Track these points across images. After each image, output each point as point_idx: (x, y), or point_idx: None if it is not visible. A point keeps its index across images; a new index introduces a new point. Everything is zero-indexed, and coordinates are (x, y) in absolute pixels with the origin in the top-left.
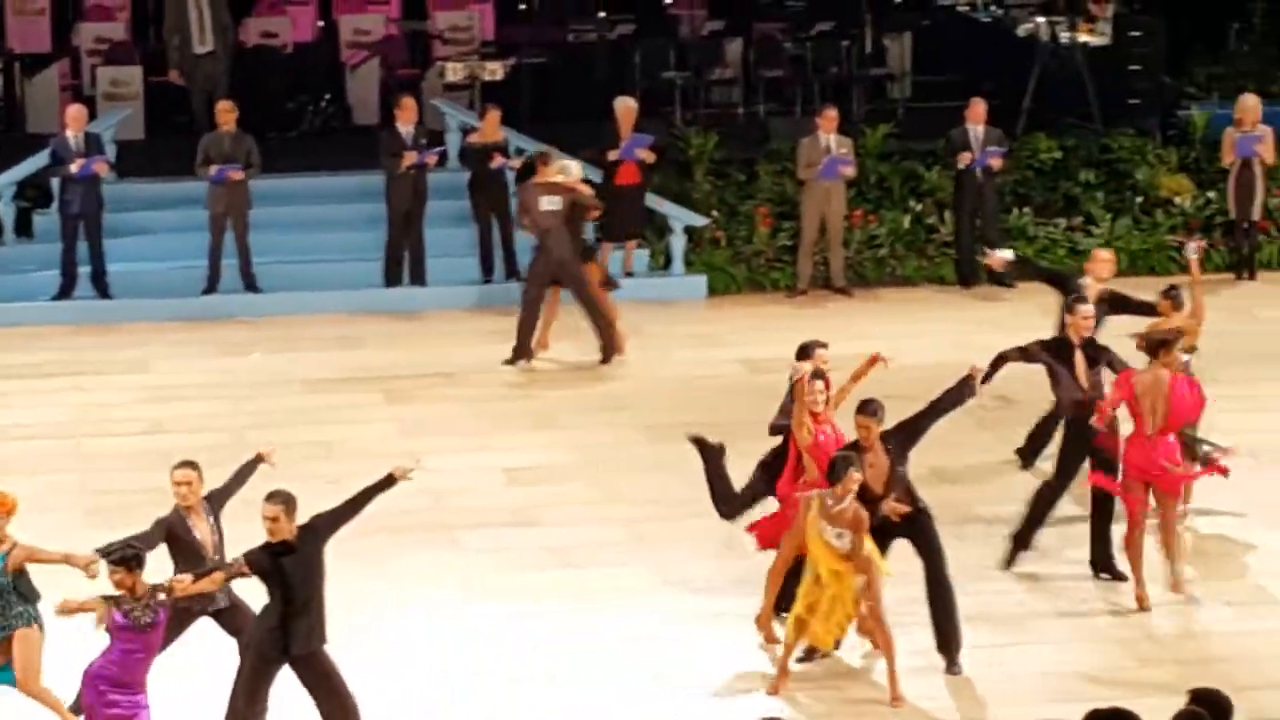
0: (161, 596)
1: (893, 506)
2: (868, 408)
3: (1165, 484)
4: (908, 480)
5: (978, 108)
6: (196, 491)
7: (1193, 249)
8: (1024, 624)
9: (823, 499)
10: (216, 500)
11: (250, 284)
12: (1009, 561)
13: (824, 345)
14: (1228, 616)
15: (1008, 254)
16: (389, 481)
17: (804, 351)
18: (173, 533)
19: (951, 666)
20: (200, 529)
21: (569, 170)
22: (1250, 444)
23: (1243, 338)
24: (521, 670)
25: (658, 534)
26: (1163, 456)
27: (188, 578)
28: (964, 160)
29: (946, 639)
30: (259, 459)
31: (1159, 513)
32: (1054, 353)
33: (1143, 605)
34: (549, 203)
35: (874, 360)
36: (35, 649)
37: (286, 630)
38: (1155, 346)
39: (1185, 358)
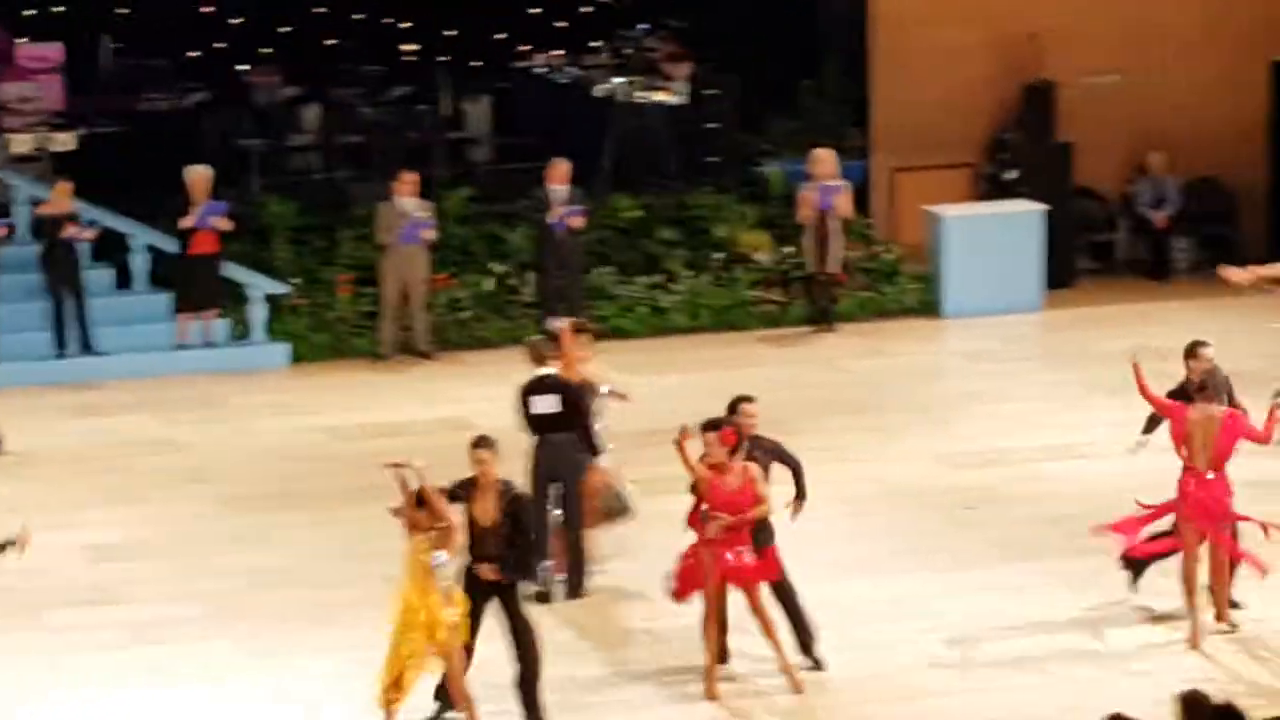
0: None
1: (485, 569)
2: (485, 441)
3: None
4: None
5: (559, 168)
6: None
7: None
8: None
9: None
10: None
11: None
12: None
13: (750, 400)
14: None
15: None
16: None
17: (732, 407)
18: None
19: None
20: None
21: None
22: (841, 494)
23: (825, 389)
24: None
25: (241, 607)
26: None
27: None
28: (556, 214)
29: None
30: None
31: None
32: None
33: None
34: None
35: None
36: None
37: None
38: None
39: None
